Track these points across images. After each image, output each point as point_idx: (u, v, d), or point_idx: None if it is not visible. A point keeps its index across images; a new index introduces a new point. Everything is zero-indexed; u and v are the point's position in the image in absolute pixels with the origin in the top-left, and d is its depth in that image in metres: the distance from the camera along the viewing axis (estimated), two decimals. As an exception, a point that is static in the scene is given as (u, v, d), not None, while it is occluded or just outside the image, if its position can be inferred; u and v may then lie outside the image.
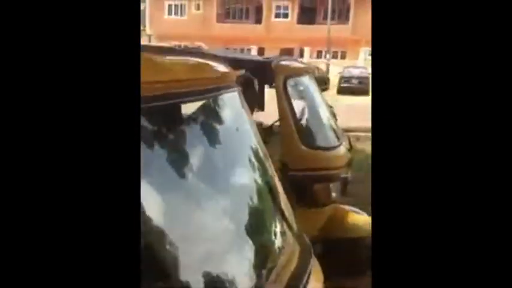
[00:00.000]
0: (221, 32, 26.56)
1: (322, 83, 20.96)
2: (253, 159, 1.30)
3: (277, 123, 2.43)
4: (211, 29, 26.80)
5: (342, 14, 27.34)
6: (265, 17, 26.82)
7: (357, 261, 2.51)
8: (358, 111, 8.89)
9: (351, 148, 2.61)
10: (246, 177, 1.25)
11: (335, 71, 20.95)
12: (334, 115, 2.78)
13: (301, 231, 1.34)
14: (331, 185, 2.33)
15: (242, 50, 26.92)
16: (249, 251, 1.11)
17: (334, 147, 2.47)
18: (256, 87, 1.49)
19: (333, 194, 2.37)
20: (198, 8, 27.77)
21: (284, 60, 2.39)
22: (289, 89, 2.25)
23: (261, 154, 1.31)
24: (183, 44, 25.30)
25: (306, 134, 2.34)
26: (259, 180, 1.29)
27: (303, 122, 2.41)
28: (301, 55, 24.95)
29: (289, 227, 1.27)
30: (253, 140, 1.30)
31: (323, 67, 20.99)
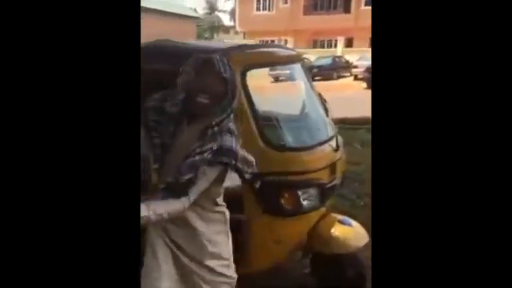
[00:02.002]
0: (309, 24, 26.04)
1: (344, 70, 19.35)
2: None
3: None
4: (299, 23, 26.43)
5: None
6: (355, 5, 25.51)
7: (344, 278, 2.15)
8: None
9: (337, 148, 2.23)
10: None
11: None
12: (326, 109, 2.40)
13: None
14: (299, 192, 2.01)
15: (327, 42, 26.08)
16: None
17: (309, 148, 2.13)
18: (219, 67, 1.35)
19: (305, 203, 2.04)
20: (285, 2, 27.62)
21: (247, 47, 2.11)
22: (248, 80, 1.98)
23: None
24: (270, 39, 25.58)
25: (271, 133, 2.05)
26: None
27: (270, 119, 2.12)
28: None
29: None
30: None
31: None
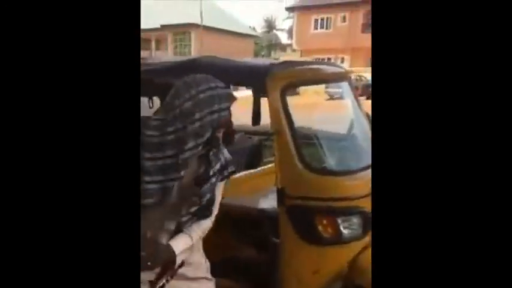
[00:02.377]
0: (366, 42, 25.51)
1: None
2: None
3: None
4: (357, 40, 26.01)
5: None
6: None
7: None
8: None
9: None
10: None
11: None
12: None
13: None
14: (339, 220, 1.85)
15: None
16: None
17: (353, 172, 1.97)
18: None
19: (345, 231, 1.88)
20: (344, 20, 27.36)
21: (288, 64, 2.01)
22: (302, 97, 1.88)
23: None
24: (326, 57, 25.38)
25: (311, 154, 1.92)
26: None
27: (311, 137, 1.99)
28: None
29: None
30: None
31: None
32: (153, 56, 27.16)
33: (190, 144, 1.27)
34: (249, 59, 2.13)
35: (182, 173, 1.29)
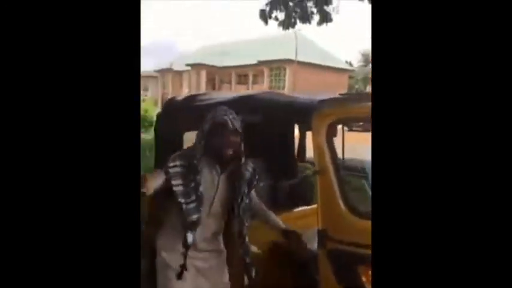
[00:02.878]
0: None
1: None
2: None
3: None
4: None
5: None
6: None
7: None
8: None
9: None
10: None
11: None
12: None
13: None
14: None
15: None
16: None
17: (404, 219, 1.77)
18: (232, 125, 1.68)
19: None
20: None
21: (337, 101, 1.94)
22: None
23: None
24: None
25: (357, 196, 1.79)
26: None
27: (357, 169, 1.86)
28: None
29: None
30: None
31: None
32: (250, 89, 28.51)
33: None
34: (302, 96, 2.10)
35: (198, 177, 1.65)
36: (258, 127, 2.13)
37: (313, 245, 1.84)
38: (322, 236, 1.76)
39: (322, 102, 1.88)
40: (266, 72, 30.91)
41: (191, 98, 2.55)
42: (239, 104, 2.16)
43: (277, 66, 30.36)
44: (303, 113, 1.87)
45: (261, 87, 30.11)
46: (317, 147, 1.80)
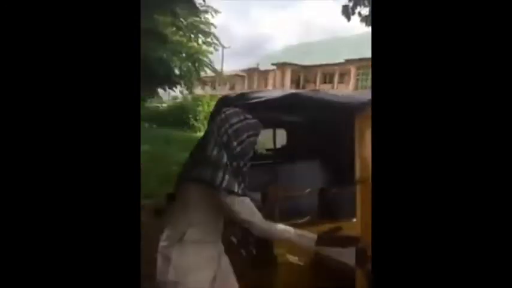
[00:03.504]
0: None
1: None
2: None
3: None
4: None
5: None
6: None
7: None
8: None
9: None
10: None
11: None
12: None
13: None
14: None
15: None
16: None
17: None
18: None
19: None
20: None
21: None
22: None
23: None
24: None
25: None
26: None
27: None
28: None
29: None
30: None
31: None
32: (335, 88, 27.83)
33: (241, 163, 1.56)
34: (353, 94, 1.92)
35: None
36: (310, 127, 2.00)
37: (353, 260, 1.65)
38: (361, 254, 1.56)
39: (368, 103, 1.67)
40: (353, 71, 29.86)
41: (243, 96, 2.51)
42: (287, 102, 2.05)
43: (364, 65, 29.15)
44: (344, 114, 1.68)
45: (346, 87, 29.21)
46: (360, 154, 1.60)
